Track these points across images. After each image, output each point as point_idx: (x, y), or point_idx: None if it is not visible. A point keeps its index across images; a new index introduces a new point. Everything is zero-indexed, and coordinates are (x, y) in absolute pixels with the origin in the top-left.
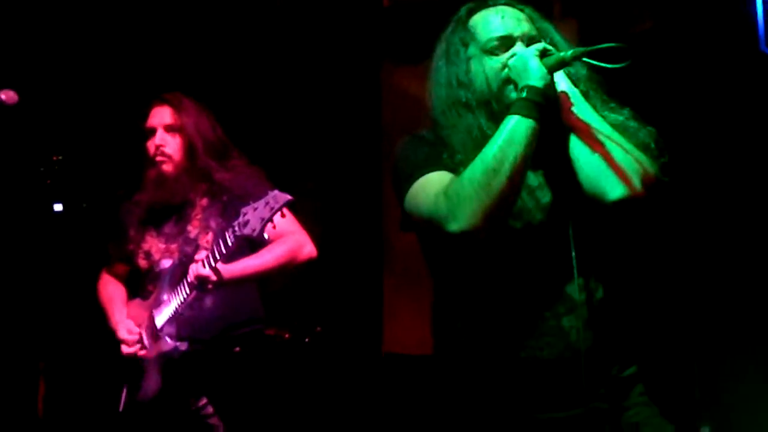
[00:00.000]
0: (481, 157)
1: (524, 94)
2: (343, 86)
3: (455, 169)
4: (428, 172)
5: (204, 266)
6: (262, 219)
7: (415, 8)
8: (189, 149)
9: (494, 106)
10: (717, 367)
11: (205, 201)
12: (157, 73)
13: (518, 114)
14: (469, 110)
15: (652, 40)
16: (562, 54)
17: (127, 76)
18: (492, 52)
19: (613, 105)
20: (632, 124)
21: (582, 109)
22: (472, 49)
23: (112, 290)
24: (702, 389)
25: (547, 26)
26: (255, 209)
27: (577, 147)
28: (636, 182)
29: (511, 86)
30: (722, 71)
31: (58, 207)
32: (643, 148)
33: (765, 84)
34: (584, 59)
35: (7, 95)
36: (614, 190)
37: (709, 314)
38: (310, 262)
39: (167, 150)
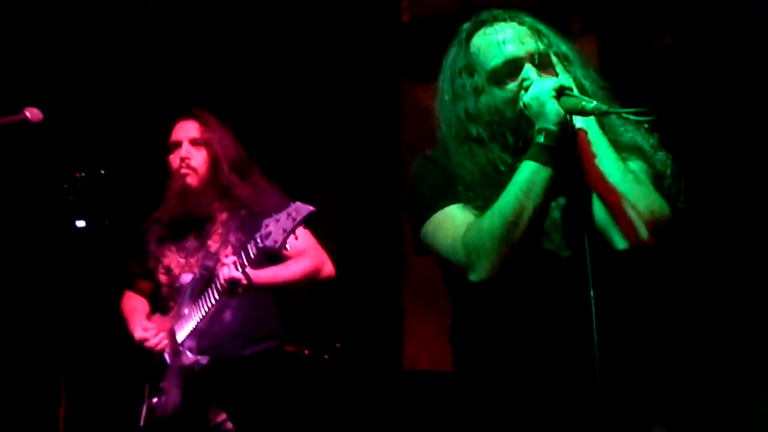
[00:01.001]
0: (500, 209)
1: (541, 139)
2: (362, 102)
3: (472, 202)
4: (445, 206)
5: (237, 269)
6: (285, 230)
7: (434, 24)
8: (213, 164)
9: (509, 139)
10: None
11: (224, 216)
12: (177, 90)
13: (535, 161)
14: (481, 145)
15: (672, 55)
16: (583, 103)
17: (149, 95)
18: (500, 81)
19: (628, 124)
20: (647, 146)
21: (598, 147)
22: (478, 79)
23: (134, 303)
24: None
25: (552, 35)
26: (277, 221)
27: (592, 187)
28: (644, 231)
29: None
30: (742, 87)
31: (80, 223)
32: (657, 180)
33: None
34: (611, 111)
35: (32, 113)
36: (621, 240)
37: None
38: (329, 280)
39: (193, 163)
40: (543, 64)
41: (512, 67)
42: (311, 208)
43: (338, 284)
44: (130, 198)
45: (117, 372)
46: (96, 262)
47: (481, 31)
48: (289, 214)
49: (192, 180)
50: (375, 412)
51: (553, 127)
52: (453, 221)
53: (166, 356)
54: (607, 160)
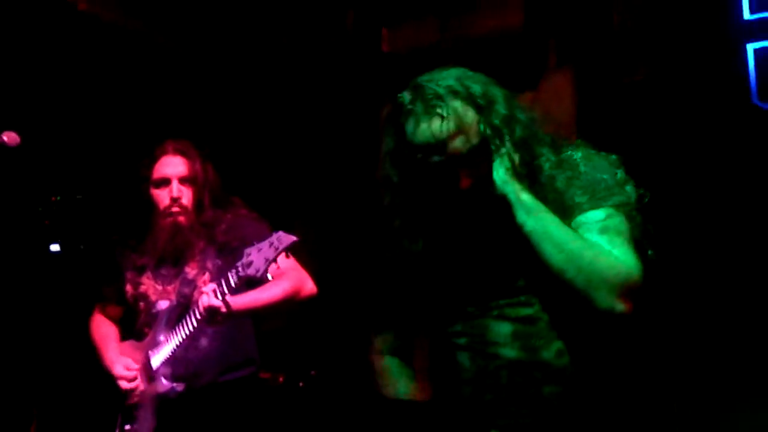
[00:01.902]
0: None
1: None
2: (342, 128)
3: None
4: None
5: (216, 296)
6: (267, 260)
7: (414, 54)
8: (198, 200)
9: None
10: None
11: (201, 243)
12: (152, 114)
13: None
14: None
15: (646, 90)
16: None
17: (125, 120)
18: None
19: (591, 158)
20: (612, 182)
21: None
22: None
23: (105, 330)
24: None
25: (475, 86)
26: (259, 250)
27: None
28: (619, 304)
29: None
30: (715, 123)
31: (55, 247)
32: (619, 235)
33: (757, 136)
34: None
35: (9, 137)
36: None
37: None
38: (310, 299)
39: (184, 201)
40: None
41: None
42: (294, 237)
43: (313, 309)
44: (105, 223)
45: (89, 399)
46: (70, 287)
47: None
48: (271, 244)
49: (183, 219)
50: None
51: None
52: None
53: (141, 383)
54: (553, 246)
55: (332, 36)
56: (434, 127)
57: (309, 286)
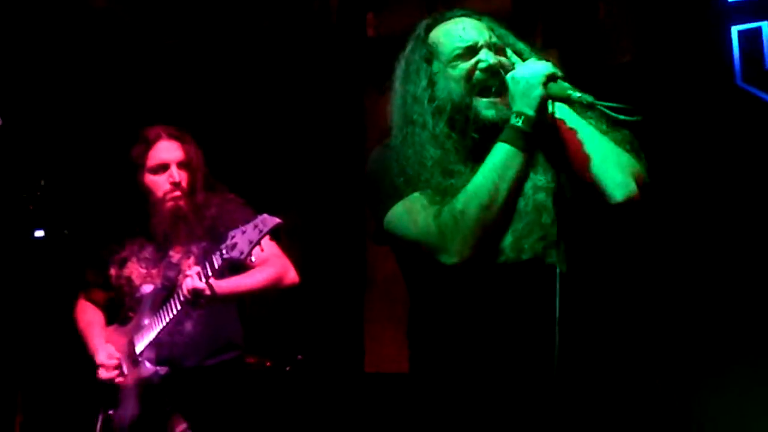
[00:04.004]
0: (475, 192)
1: (519, 123)
2: (327, 113)
3: (432, 188)
4: (410, 191)
5: (200, 279)
6: (251, 242)
7: (399, 39)
8: (193, 184)
9: (456, 118)
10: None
11: (195, 226)
12: (138, 100)
13: (512, 145)
14: (424, 128)
15: (632, 72)
16: (569, 92)
17: (111, 103)
18: (457, 61)
19: (590, 114)
20: (605, 128)
21: (579, 127)
22: (436, 65)
23: (90, 316)
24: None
25: (508, 34)
26: (243, 232)
27: (575, 155)
28: (633, 185)
29: (484, 101)
30: (700, 104)
31: (39, 233)
32: (631, 150)
33: (741, 117)
34: (596, 104)
35: None
36: (616, 193)
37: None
38: (292, 288)
39: (183, 185)
40: (499, 53)
41: (471, 51)
42: (278, 220)
43: (300, 292)
44: (90, 208)
45: (73, 383)
46: (54, 272)
47: (441, 25)
48: (255, 226)
49: (183, 202)
50: (336, 425)
51: (531, 113)
52: (422, 205)
53: (125, 367)
54: (592, 137)
55: (317, 21)
56: (479, 23)
57: (291, 275)
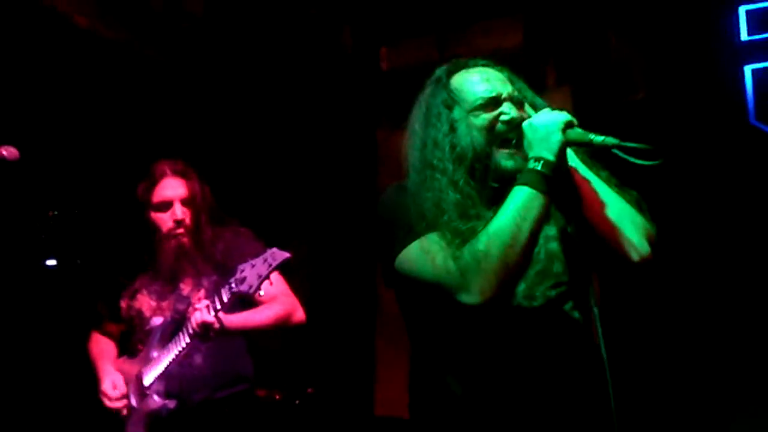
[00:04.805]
0: (497, 232)
1: (538, 167)
2: (339, 148)
3: (450, 231)
4: (427, 231)
5: (209, 312)
6: (260, 276)
7: (413, 73)
8: (197, 220)
9: (476, 166)
10: None
11: (200, 261)
12: (149, 133)
13: (532, 188)
14: (444, 174)
15: (645, 110)
16: (591, 136)
17: (123, 136)
18: (480, 110)
19: (601, 171)
20: (619, 187)
21: (593, 181)
22: (458, 112)
23: (102, 347)
24: None
25: (526, 88)
26: (253, 266)
27: (590, 206)
28: (646, 246)
29: (504, 152)
30: (713, 143)
31: (51, 262)
32: (642, 211)
33: (754, 156)
34: (614, 150)
35: (8, 151)
36: (633, 252)
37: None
38: (299, 326)
39: (186, 222)
40: (519, 107)
41: (492, 102)
42: (287, 254)
43: (311, 329)
44: (101, 238)
45: (82, 415)
46: (66, 302)
47: (463, 71)
48: (265, 260)
49: (186, 240)
50: None
51: (551, 157)
52: (440, 245)
53: (132, 400)
54: (605, 192)
55: (331, 54)
56: (501, 75)
57: (299, 314)
